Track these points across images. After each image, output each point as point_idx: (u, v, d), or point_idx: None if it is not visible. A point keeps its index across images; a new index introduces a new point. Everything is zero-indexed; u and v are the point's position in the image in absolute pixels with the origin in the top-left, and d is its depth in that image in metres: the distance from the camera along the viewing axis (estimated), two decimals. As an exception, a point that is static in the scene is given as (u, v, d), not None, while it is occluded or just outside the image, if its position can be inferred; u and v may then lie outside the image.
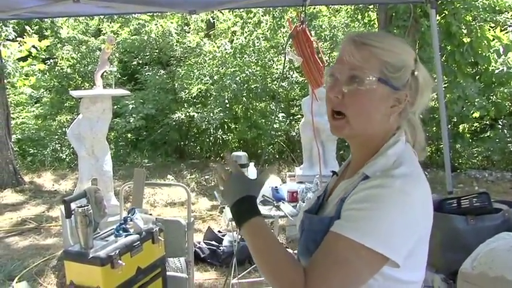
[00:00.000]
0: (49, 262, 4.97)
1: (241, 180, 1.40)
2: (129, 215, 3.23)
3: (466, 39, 9.03)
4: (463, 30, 9.08)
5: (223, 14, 10.16)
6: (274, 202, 3.73)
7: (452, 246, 3.01)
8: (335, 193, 1.38)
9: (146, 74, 10.04)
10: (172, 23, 9.65)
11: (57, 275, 4.68)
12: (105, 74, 6.18)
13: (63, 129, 9.97)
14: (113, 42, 4.65)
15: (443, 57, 8.68)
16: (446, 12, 9.23)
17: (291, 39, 3.34)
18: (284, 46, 3.75)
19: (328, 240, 1.22)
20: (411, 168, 1.27)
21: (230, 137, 10.22)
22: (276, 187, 3.91)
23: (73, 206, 3.17)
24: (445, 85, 8.25)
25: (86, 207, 2.90)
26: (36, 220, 6.30)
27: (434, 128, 8.81)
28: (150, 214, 3.53)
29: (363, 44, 1.28)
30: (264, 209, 3.65)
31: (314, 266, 1.20)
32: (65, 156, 9.42)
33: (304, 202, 3.64)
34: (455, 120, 9.18)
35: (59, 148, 9.67)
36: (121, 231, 3.13)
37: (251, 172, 4.11)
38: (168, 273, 3.43)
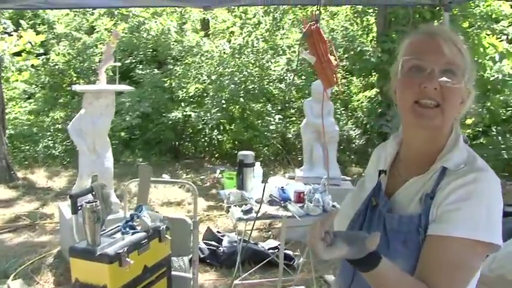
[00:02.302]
0: (45, 260, 4.87)
1: (353, 238, 1.18)
2: (136, 212, 3.16)
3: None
4: (460, 36, 9.13)
5: (226, 13, 10.11)
6: (282, 202, 3.68)
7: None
8: (407, 190, 1.36)
9: (141, 72, 9.93)
10: (172, 21, 9.58)
11: (54, 273, 4.59)
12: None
13: (56, 126, 9.87)
14: (118, 36, 4.57)
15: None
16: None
17: (304, 37, 3.30)
18: (298, 45, 3.71)
19: (438, 246, 1.23)
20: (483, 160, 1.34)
21: (225, 138, 10.17)
22: (282, 187, 3.86)
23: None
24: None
25: (94, 203, 2.83)
26: (30, 217, 6.18)
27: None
28: (157, 212, 3.46)
29: (453, 40, 1.32)
30: (271, 209, 3.61)
31: (434, 277, 1.21)
32: (57, 154, 9.30)
33: (311, 203, 3.59)
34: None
35: (51, 145, 9.55)
36: (128, 229, 3.07)
37: (257, 172, 4.07)
38: (172, 272, 3.37)
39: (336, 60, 3.26)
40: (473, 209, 1.22)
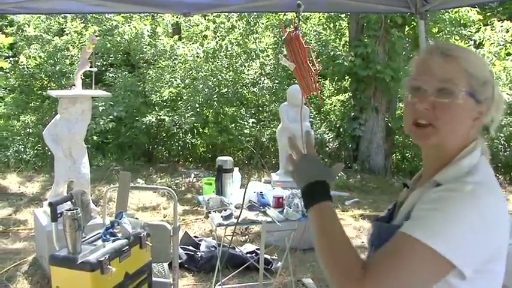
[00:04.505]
0: (20, 267, 4.79)
1: (317, 164, 1.42)
2: (117, 219, 3.15)
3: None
4: (430, 42, 9.33)
5: (198, 17, 10.08)
6: (261, 207, 3.70)
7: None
8: (407, 203, 1.36)
9: (112, 76, 9.83)
10: (145, 25, 9.51)
11: (30, 281, 4.52)
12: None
13: (27, 130, 9.70)
14: (94, 41, 4.52)
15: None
16: (414, 24, 9.47)
17: (284, 44, 3.34)
18: (279, 51, 3.75)
19: (394, 239, 1.19)
20: (486, 178, 1.27)
21: (199, 142, 10.16)
22: (261, 192, 3.88)
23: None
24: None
25: (75, 211, 2.81)
26: (3, 223, 6.07)
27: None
28: (137, 218, 3.45)
29: (449, 56, 1.29)
30: (250, 214, 3.63)
31: (376, 262, 1.17)
32: (29, 158, 9.15)
33: (291, 208, 3.62)
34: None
35: (22, 149, 9.38)
36: (108, 236, 3.05)
37: (236, 177, 4.09)
38: (152, 278, 3.37)
39: (315, 67, 3.30)
40: (433, 213, 1.18)
